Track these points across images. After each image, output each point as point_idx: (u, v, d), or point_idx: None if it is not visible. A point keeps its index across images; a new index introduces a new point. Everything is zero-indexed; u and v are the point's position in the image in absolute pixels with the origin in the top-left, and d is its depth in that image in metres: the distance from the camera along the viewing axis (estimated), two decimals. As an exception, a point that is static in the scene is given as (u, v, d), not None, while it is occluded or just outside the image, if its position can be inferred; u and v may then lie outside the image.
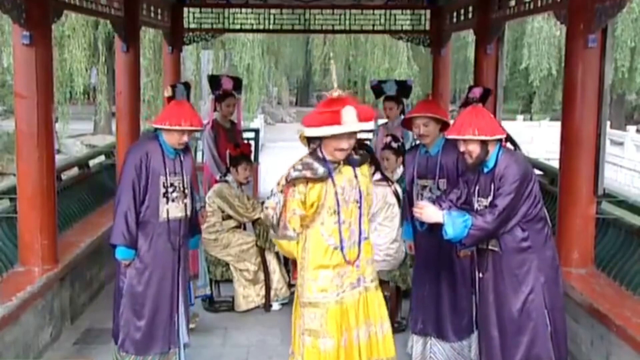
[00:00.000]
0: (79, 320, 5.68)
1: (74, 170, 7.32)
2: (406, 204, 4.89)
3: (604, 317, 4.37)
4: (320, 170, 3.59)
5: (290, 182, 3.61)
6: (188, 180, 4.45)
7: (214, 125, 7.15)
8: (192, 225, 4.63)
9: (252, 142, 10.38)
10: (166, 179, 4.32)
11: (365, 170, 3.81)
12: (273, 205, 3.70)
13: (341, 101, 3.54)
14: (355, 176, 3.70)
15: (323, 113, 3.56)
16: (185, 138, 4.28)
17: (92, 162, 8.05)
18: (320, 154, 3.65)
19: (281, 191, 3.66)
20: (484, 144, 3.86)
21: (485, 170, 3.94)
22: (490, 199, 3.90)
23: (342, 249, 3.63)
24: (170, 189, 4.33)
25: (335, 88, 3.70)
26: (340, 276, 3.67)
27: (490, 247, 3.97)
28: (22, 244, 5.12)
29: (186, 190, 4.42)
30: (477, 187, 4.00)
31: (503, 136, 3.94)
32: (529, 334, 3.92)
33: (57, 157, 6.04)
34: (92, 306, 6.04)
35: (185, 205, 4.43)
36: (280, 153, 18.59)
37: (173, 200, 4.35)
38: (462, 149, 3.91)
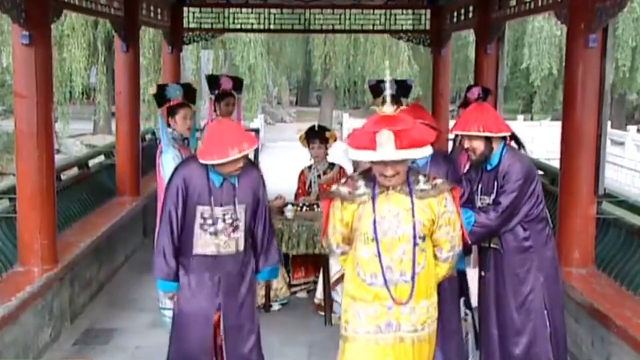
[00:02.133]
0: (78, 320, 5.67)
1: (74, 170, 7.31)
2: None
3: (605, 318, 4.36)
4: (361, 190, 3.20)
5: (329, 195, 3.32)
6: (243, 210, 3.82)
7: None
8: (259, 258, 4.01)
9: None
10: (210, 211, 3.76)
11: (433, 203, 3.19)
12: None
13: (388, 121, 3.04)
14: (412, 209, 3.14)
15: (363, 134, 3.08)
16: (240, 164, 3.67)
17: (91, 162, 8.04)
18: (373, 173, 3.21)
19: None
20: (488, 140, 3.87)
21: (489, 167, 3.95)
22: (493, 196, 3.90)
23: (385, 284, 3.16)
24: (209, 221, 3.77)
25: (387, 102, 3.09)
26: (376, 315, 3.22)
27: (492, 245, 3.97)
28: (22, 244, 5.11)
29: (237, 222, 3.80)
30: (479, 185, 4.01)
31: (507, 134, 3.94)
32: (528, 335, 3.92)
33: (57, 157, 6.04)
34: (91, 306, 6.03)
35: (237, 240, 3.83)
36: (280, 153, 18.59)
37: (215, 234, 3.78)
38: (466, 145, 3.94)
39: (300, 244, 5.56)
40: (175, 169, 3.92)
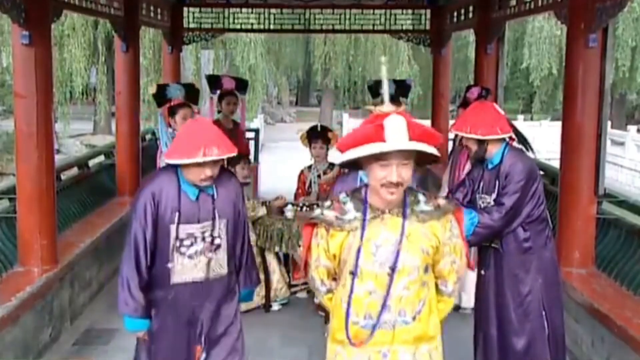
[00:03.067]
0: (78, 321, 5.67)
1: (74, 170, 7.31)
2: None
3: (605, 318, 4.36)
4: (350, 214, 2.62)
5: (311, 221, 2.73)
6: (225, 226, 3.30)
7: (216, 126, 7.14)
8: (239, 279, 3.53)
9: (252, 142, 10.37)
10: (186, 229, 3.21)
11: (436, 227, 2.65)
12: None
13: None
14: (402, 233, 2.59)
15: (364, 129, 2.55)
16: (208, 172, 3.10)
17: (91, 162, 8.04)
18: (362, 193, 2.66)
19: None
20: (480, 142, 3.87)
21: (490, 166, 3.95)
22: (494, 195, 3.90)
23: (381, 326, 2.63)
24: (186, 242, 3.22)
25: (386, 102, 2.58)
26: None
27: (493, 245, 3.97)
28: (22, 244, 5.10)
29: (218, 240, 3.28)
30: (481, 184, 4.01)
31: (504, 135, 3.93)
32: (526, 336, 3.92)
33: (57, 157, 6.04)
34: (91, 306, 6.03)
35: (219, 261, 3.31)
36: (280, 153, 18.60)
37: (191, 257, 3.24)
38: (464, 143, 3.97)
39: (300, 244, 5.55)
40: (145, 184, 3.30)
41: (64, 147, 21.38)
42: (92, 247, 5.99)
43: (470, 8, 7.85)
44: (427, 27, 9.20)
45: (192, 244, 3.23)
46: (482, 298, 4.10)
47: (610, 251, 5.24)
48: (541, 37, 23.90)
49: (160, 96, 5.41)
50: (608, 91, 5.13)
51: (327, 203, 2.74)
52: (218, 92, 7.21)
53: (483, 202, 3.98)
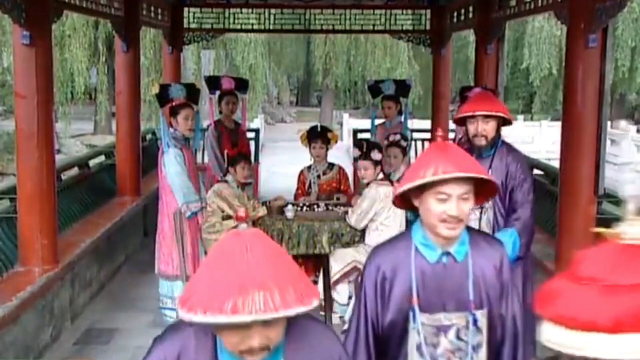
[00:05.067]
0: (79, 320, 5.68)
1: (74, 170, 7.32)
2: None
3: (605, 318, 4.35)
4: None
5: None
6: None
7: (217, 126, 7.16)
8: None
9: (253, 142, 10.38)
10: None
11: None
12: None
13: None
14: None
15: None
16: (255, 341, 1.57)
17: (92, 162, 8.05)
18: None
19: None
20: (498, 125, 3.97)
21: (484, 155, 3.97)
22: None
23: None
24: None
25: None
26: None
27: None
28: (22, 244, 5.11)
29: None
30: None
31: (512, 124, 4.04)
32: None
33: (57, 157, 6.04)
34: (92, 306, 6.03)
35: None
36: (280, 153, 18.60)
37: None
38: (480, 128, 3.93)
39: (300, 244, 5.56)
40: (158, 339, 1.94)
41: (65, 147, 21.38)
42: (92, 247, 5.99)
43: (470, 8, 7.85)
44: (428, 27, 9.21)
45: None
46: None
47: (610, 251, 5.24)
48: (541, 37, 23.88)
49: (163, 96, 5.41)
50: (608, 91, 5.14)
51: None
52: (217, 92, 7.22)
53: None
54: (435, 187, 2.14)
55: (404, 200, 2.28)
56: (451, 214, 2.14)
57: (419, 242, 2.26)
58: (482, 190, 2.25)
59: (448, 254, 2.24)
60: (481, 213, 3.92)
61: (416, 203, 2.22)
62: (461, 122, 4.07)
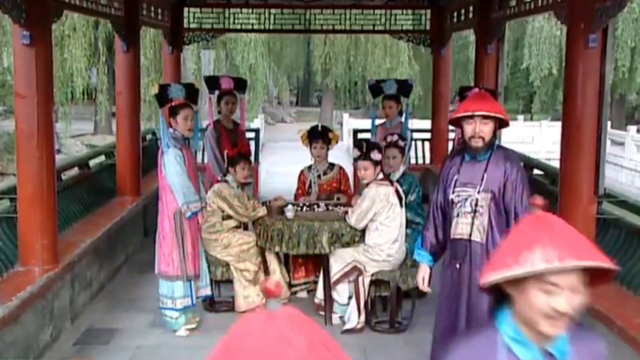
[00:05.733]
0: (79, 320, 5.68)
1: (74, 170, 7.32)
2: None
3: (605, 318, 4.36)
4: None
5: None
6: None
7: (216, 126, 7.16)
8: None
9: (253, 142, 10.38)
10: None
11: None
12: None
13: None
14: None
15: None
16: None
17: (92, 162, 8.05)
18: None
19: None
20: (495, 127, 3.88)
21: (480, 158, 3.84)
22: (479, 188, 3.78)
23: None
24: None
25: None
26: None
27: (472, 239, 3.86)
28: (22, 244, 5.11)
29: None
30: (456, 178, 3.88)
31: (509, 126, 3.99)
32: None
33: (57, 157, 6.04)
34: (92, 306, 6.03)
35: None
36: (280, 153, 18.61)
37: None
38: (478, 129, 3.79)
39: (300, 244, 5.56)
40: None
41: (65, 147, 21.39)
42: (92, 247, 5.99)
43: (471, 8, 7.86)
44: (428, 28, 9.22)
45: None
46: (455, 292, 3.94)
47: (610, 251, 5.23)
48: (541, 37, 23.90)
49: (162, 96, 5.41)
50: (608, 91, 5.14)
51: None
52: (217, 92, 7.22)
53: (458, 197, 3.86)
54: (543, 275, 1.69)
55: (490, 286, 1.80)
56: (560, 310, 1.70)
57: (510, 338, 1.80)
58: (594, 277, 1.75)
59: (548, 353, 1.79)
60: (474, 218, 3.81)
61: (509, 290, 1.77)
62: (457, 123, 3.94)
